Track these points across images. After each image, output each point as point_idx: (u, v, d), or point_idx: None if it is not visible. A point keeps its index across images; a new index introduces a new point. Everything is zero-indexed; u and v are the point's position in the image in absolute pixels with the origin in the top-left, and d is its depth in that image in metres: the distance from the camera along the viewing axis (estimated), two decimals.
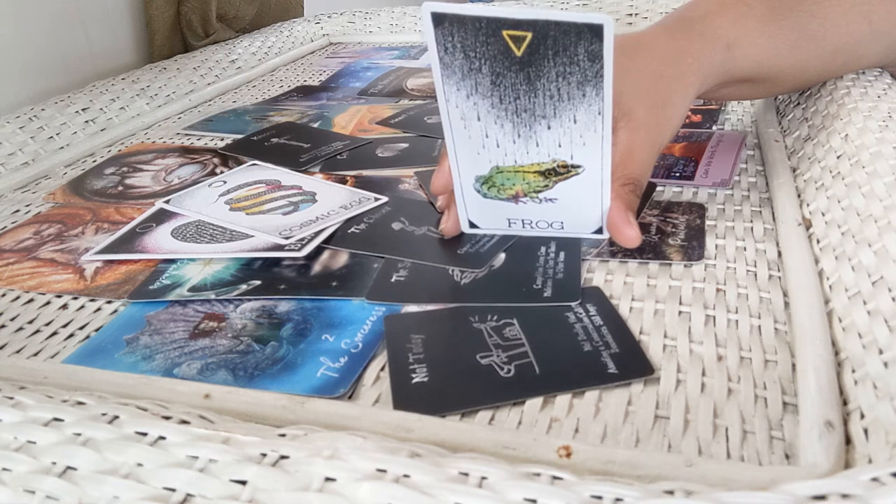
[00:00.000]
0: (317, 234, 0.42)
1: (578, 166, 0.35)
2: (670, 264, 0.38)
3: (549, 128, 0.34)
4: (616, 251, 0.39)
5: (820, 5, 0.44)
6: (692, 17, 0.43)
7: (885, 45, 0.47)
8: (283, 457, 0.20)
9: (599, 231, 0.38)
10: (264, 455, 0.20)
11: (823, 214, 0.38)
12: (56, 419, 0.22)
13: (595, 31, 0.30)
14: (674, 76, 0.40)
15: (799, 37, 0.44)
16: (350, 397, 0.30)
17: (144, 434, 0.21)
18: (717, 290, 0.36)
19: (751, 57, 0.44)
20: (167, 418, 0.22)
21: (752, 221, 0.42)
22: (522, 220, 0.39)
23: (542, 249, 0.39)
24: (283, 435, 0.22)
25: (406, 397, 0.29)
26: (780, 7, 0.44)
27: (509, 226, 0.39)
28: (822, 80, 0.50)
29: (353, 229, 0.43)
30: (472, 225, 0.39)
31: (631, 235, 0.36)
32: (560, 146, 0.34)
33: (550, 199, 0.37)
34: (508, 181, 0.36)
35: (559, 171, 0.35)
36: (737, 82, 0.45)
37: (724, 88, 0.45)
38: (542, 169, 0.35)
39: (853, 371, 0.27)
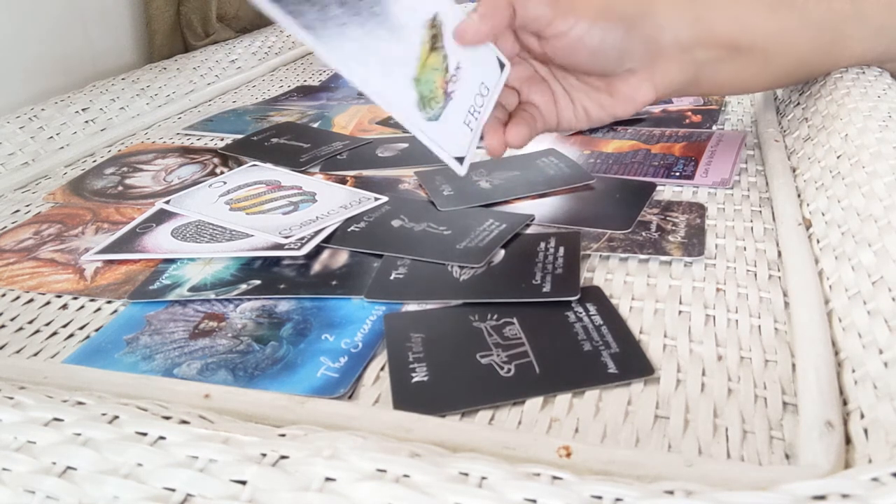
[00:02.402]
0: (316, 233, 0.42)
1: (436, 13, 0.38)
2: (670, 263, 0.38)
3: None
4: (616, 246, 0.39)
5: None
6: None
7: (870, 30, 0.47)
8: (283, 457, 0.20)
9: (502, 66, 0.42)
10: (264, 455, 0.20)
11: (823, 214, 0.38)
12: (56, 419, 0.22)
13: None
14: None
15: (787, 12, 0.45)
16: (350, 397, 0.30)
17: (144, 434, 0.21)
18: (717, 289, 0.36)
19: (727, 15, 0.44)
20: (167, 418, 0.22)
21: (752, 221, 0.42)
22: (469, 112, 0.40)
23: (542, 245, 0.39)
24: (283, 435, 0.22)
25: (406, 397, 0.29)
26: None
27: (470, 129, 0.40)
28: (815, 66, 0.50)
29: (352, 228, 0.43)
30: (460, 160, 0.39)
31: (465, 27, 0.39)
32: (415, 10, 0.37)
33: (458, 67, 0.39)
34: (429, 82, 0.37)
35: (436, 33, 0.38)
36: (724, 50, 0.44)
37: (716, 65, 0.45)
38: (429, 45, 0.37)
39: (853, 371, 0.27)
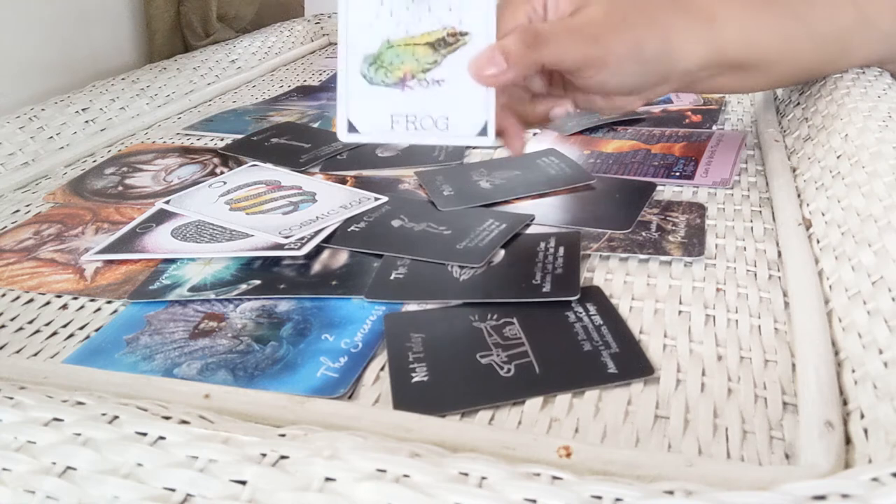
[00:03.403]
0: (316, 233, 0.42)
1: (466, 33, 0.35)
2: (670, 262, 0.38)
3: None
4: (616, 246, 0.39)
5: None
6: None
7: (875, 37, 0.47)
8: (283, 457, 0.20)
9: (484, 132, 0.36)
10: (264, 455, 0.20)
11: (823, 214, 0.38)
12: (56, 419, 0.22)
13: None
14: (643, 11, 0.40)
15: (791, 23, 0.44)
16: (350, 397, 0.30)
17: (144, 434, 0.21)
18: (717, 289, 0.36)
19: (740, 38, 0.43)
20: (167, 418, 0.22)
21: (752, 221, 0.42)
22: (406, 118, 0.37)
23: (542, 245, 0.39)
24: (283, 435, 0.22)
25: (406, 397, 0.29)
26: None
27: (392, 126, 0.37)
28: (817, 73, 0.50)
29: (352, 228, 0.43)
30: (352, 128, 0.37)
31: (483, 61, 0.35)
32: (450, 9, 0.34)
33: (438, 82, 0.36)
34: (398, 59, 0.36)
35: (448, 41, 0.35)
36: (728, 68, 0.44)
37: (717, 76, 0.45)
38: (432, 39, 0.35)
39: (853, 371, 0.27)
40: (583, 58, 0.38)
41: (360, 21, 0.35)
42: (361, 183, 0.51)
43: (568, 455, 0.24)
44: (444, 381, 0.30)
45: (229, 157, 0.58)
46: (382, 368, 0.31)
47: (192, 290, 0.38)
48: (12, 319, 0.37)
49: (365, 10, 0.34)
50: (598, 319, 0.33)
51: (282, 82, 0.83)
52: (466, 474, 0.19)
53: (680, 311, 0.34)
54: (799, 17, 0.44)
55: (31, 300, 0.39)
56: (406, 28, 0.35)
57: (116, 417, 0.22)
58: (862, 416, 0.25)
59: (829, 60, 0.48)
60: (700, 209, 0.44)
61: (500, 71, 0.35)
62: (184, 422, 0.22)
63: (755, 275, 0.37)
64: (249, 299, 0.37)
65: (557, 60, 0.38)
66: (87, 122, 0.64)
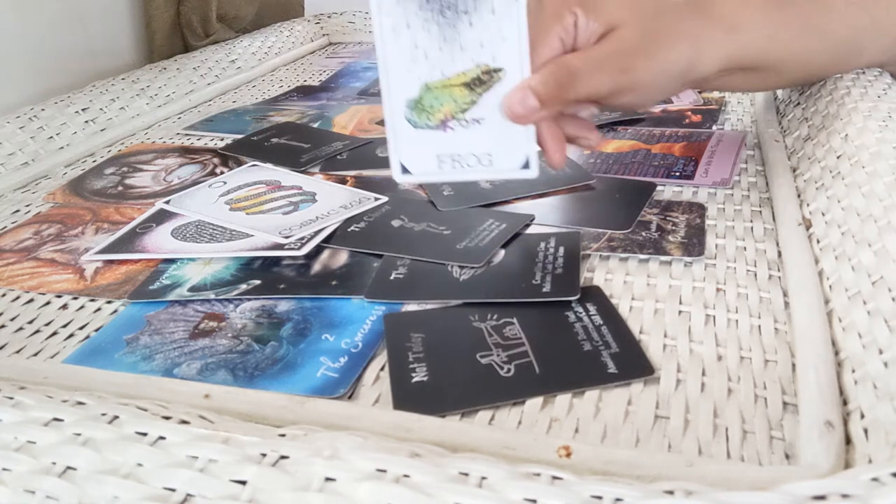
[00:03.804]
0: (316, 233, 0.42)
1: (500, 69, 0.35)
2: (670, 262, 0.38)
3: (470, 24, 0.34)
4: (616, 246, 0.39)
5: None
6: None
7: (885, 44, 0.47)
8: (283, 457, 0.20)
9: (527, 166, 0.37)
10: (264, 455, 0.20)
11: (823, 214, 0.38)
12: (56, 419, 0.22)
13: None
14: (669, 25, 0.40)
15: (805, 26, 0.44)
16: (350, 397, 0.30)
17: (144, 434, 0.21)
18: (717, 289, 0.36)
19: (756, 43, 0.43)
20: (167, 418, 0.22)
21: (752, 221, 0.42)
22: (452, 157, 0.37)
23: (542, 245, 0.39)
24: (283, 435, 0.22)
25: (406, 397, 0.29)
26: None
27: (440, 166, 0.38)
28: (824, 75, 0.50)
29: (352, 228, 0.43)
30: (405, 170, 0.38)
31: (515, 101, 0.35)
32: (482, 46, 0.35)
33: (477, 121, 0.36)
34: (437, 101, 0.36)
35: (482, 79, 0.35)
36: (741, 70, 0.44)
37: (728, 76, 0.45)
38: (467, 79, 0.35)
39: (853, 371, 0.27)
40: (615, 88, 0.38)
41: (398, 67, 0.35)
42: (361, 183, 0.51)
43: (568, 455, 0.24)
44: (444, 381, 0.30)
45: (229, 157, 0.58)
46: (382, 368, 0.31)
47: (192, 290, 0.38)
48: (12, 319, 0.37)
49: (402, 56, 0.35)
50: (598, 319, 0.33)
51: (282, 82, 0.83)
52: (466, 474, 0.19)
53: (680, 311, 0.34)
54: (814, 21, 0.44)
55: (31, 300, 0.39)
56: (441, 69, 0.35)
57: (116, 417, 0.22)
58: (862, 416, 0.25)
59: (838, 63, 0.49)
60: (700, 209, 0.44)
61: (533, 111, 0.35)
62: (184, 422, 0.22)
63: (755, 275, 0.37)
64: (249, 299, 0.37)
65: (590, 95, 0.38)
66: (87, 122, 0.64)
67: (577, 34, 0.38)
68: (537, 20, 0.36)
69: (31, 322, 0.37)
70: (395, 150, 0.37)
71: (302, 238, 0.42)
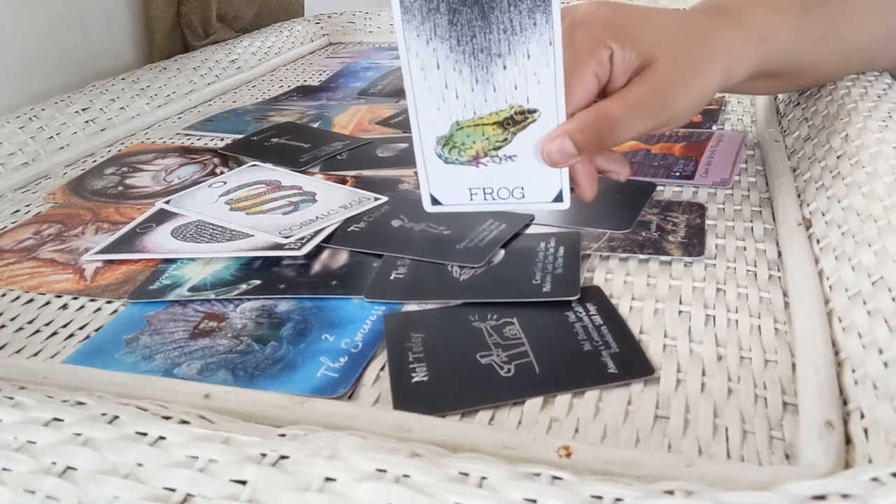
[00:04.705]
0: (316, 233, 0.42)
1: (535, 111, 0.35)
2: (670, 262, 0.38)
3: (504, 67, 0.34)
4: (616, 246, 0.39)
5: (845, 2, 0.44)
6: (726, 4, 0.42)
7: None
8: (283, 457, 0.20)
9: (560, 198, 0.37)
10: (264, 455, 0.20)
11: (823, 214, 0.38)
12: (56, 419, 0.22)
13: None
14: (703, 44, 0.39)
15: (825, 33, 0.44)
16: (350, 397, 0.30)
17: (144, 434, 0.21)
18: (717, 289, 0.36)
19: (782, 51, 0.43)
20: (167, 418, 0.22)
21: (752, 221, 0.42)
22: (483, 190, 0.37)
23: (542, 245, 0.40)
24: (283, 435, 0.22)
25: (406, 397, 0.29)
26: (809, 1, 0.44)
27: (471, 198, 0.38)
28: (834, 80, 0.50)
29: (352, 228, 0.43)
30: (435, 201, 0.38)
31: (554, 150, 0.34)
32: (516, 88, 0.34)
33: (510, 157, 0.36)
34: (468, 139, 0.36)
35: (517, 119, 0.35)
36: (764, 76, 0.44)
37: (751, 82, 0.44)
38: (500, 119, 0.35)
39: (853, 371, 0.27)
40: (654, 127, 0.38)
41: (428, 104, 0.35)
42: (361, 183, 0.51)
43: (568, 455, 0.24)
44: (444, 381, 0.30)
45: (229, 157, 0.58)
46: (382, 368, 0.31)
47: (192, 290, 0.38)
48: (12, 319, 0.37)
49: (432, 95, 0.35)
50: (598, 319, 0.33)
51: (282, 82, 0.83)
52: (466, 474, 0.19)
53: (680, 311, 0.34)
54: (836, 34, 0.45)
55: (31, 300, 0.39)
56: (473, 109, 0.35)
57: (116, 417, 0.22)
58: (862, 416, 0.25)
59: (852, 70, 0.49)
60: (700, 209, 0.44)
61: (571, 158, 0.35)
62: (184, 422, 0.22)
63: (755, 275, 0.37)
64: (249, 299, 0.37)
65: (629, 139, 0.37)
66: (87, 122, 0.64)
67: (612, 68, 0.37)
68: (570, 55, 0.35)
69: (31, 322, 0.37)
70: (425, 181, 0.37)
71: (302, 238, 0.42)
